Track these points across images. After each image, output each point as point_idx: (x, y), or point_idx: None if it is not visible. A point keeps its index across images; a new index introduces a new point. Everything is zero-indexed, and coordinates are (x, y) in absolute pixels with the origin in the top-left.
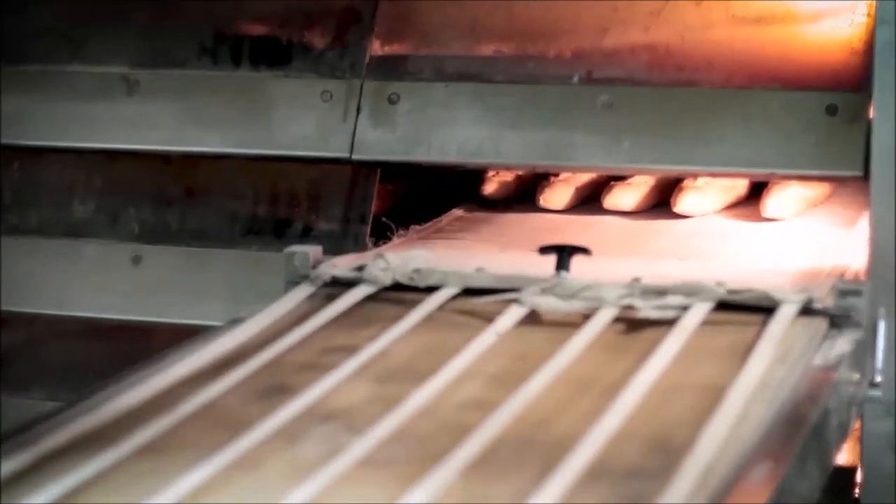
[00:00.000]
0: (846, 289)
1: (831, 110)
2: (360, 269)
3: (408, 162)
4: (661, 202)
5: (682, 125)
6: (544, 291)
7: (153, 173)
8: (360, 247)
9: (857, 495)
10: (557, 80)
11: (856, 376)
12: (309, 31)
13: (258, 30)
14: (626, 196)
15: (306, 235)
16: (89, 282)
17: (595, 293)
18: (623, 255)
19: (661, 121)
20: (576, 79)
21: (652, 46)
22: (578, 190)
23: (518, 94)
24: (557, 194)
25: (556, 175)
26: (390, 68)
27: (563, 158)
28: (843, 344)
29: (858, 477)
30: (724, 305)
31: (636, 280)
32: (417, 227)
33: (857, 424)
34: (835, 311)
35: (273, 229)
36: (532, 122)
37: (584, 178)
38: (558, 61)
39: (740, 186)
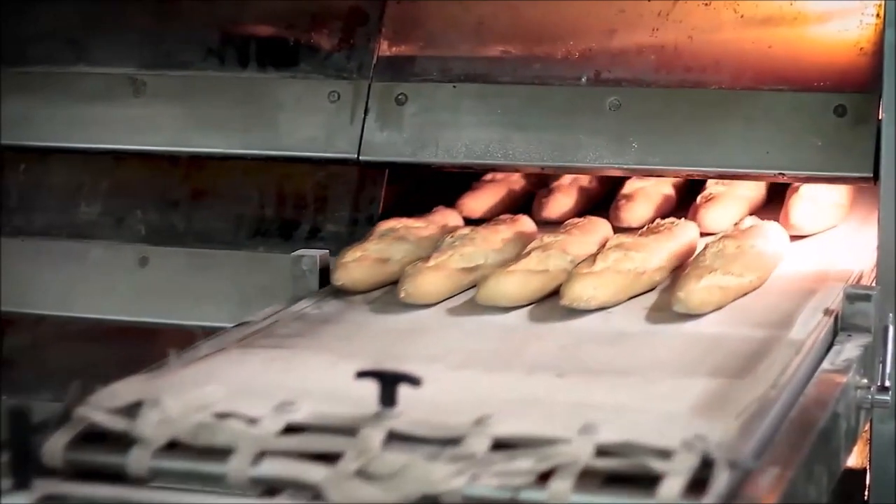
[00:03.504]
0: (855, 294)
1: (840, 111)
2: (131, 410)
3: (415, 163)
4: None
5: (690, 126)
6: (357, 473)
7: (159, 175)
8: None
9: (867, 497)
10: (565, 81)
11: (864, 381)
12: (316, 33)
13: (265, 31)
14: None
15: (313, 237)
16: (95, 283)
17: (419, 474)
18: (490, 366)
19: (670, 122)
20: (584, 80)
21: (660, 47)
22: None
23: (525, 96)
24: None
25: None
26: (397, 69)
27: (571, 159)
28: (852, 349)
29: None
30: None
31: (480, 421)
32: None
33: (866, 427)
34: (844, 316)
35: (280, 231)
36: (540, 123)
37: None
38: (566, 62)
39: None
